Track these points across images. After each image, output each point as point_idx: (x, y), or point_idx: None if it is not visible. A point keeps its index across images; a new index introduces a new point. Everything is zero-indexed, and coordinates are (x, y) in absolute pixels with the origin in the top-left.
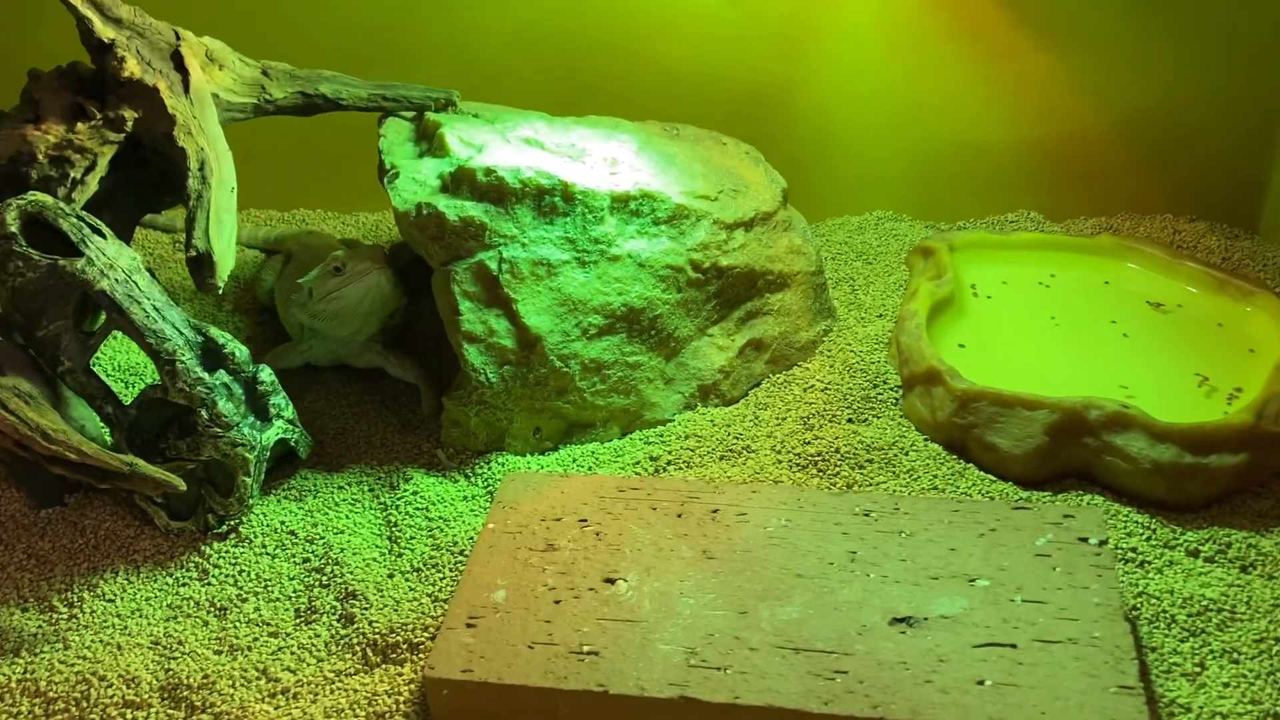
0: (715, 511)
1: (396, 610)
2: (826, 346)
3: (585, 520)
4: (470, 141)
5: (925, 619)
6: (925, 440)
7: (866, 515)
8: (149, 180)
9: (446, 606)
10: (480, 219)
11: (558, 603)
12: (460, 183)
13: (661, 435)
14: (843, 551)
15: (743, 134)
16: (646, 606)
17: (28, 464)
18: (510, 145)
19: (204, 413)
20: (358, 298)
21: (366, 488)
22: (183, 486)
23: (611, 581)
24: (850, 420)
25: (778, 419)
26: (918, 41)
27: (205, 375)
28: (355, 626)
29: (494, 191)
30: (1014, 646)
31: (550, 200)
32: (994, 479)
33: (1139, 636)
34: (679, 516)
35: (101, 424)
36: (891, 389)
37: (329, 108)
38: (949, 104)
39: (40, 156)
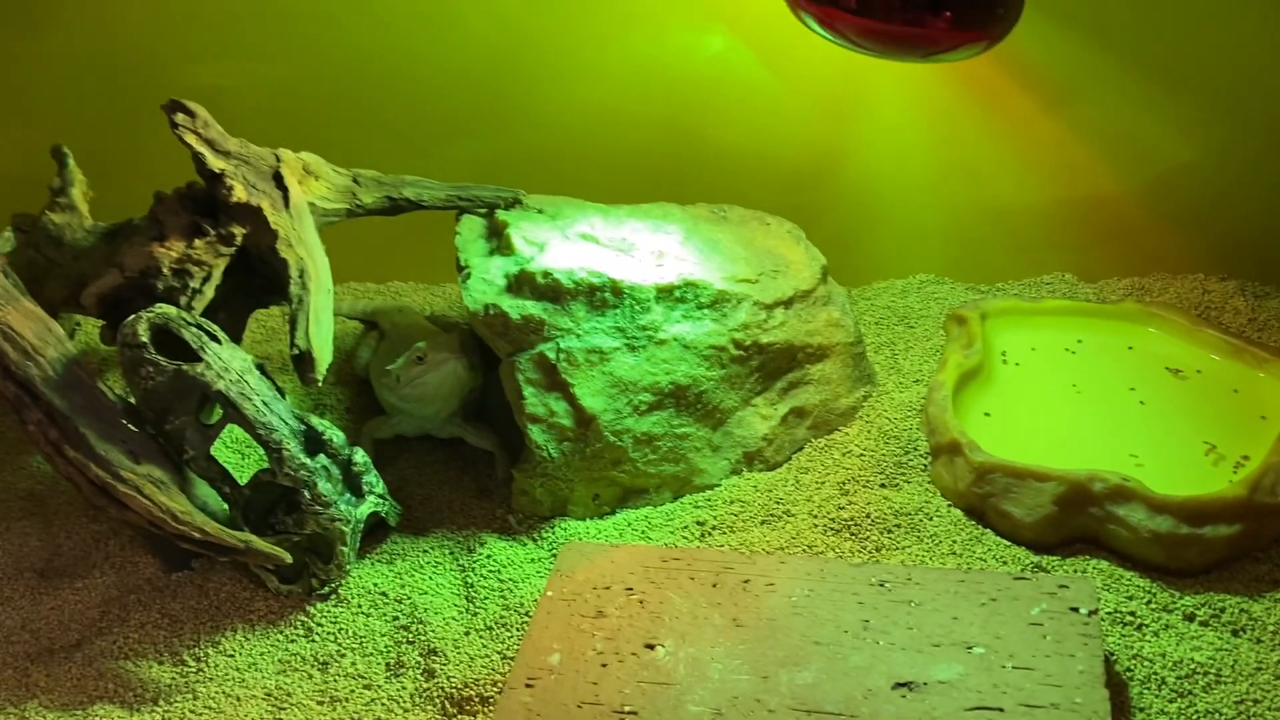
0: (746, 581)
1: (470, 666)
2: (866, 411)
3: (631, 589)
4: (533, 240)
5: (925, 684)
6: (949, 506)
7: (881, 585)
8: (256, 284)
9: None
10: (540, 316)
11: (604, 666)
12: (522, 284)
13: (709, 499)
14: (857, 620)
15: (790, 202)
16: (681, 671)
17: (159, 535)
18: (569, 242)
19: (306, 493)
20: (437, 384)
21: (447, 551)
22: (289, 559)
23: (651, 647)
24: (883, 485)
25: (816, 483)
26: (955, 108)
27: (307, 460)
28: (435, 681)
29: (551, 291)
30: (1001, 710)
31: (601, 295)
32: (1009, 544)
33: (1128, 699)
34: (714, 586)
35: (222, 501)
36: (921, 455)
37: (411, 208)
38: (987, 168)
39: (165, 270)
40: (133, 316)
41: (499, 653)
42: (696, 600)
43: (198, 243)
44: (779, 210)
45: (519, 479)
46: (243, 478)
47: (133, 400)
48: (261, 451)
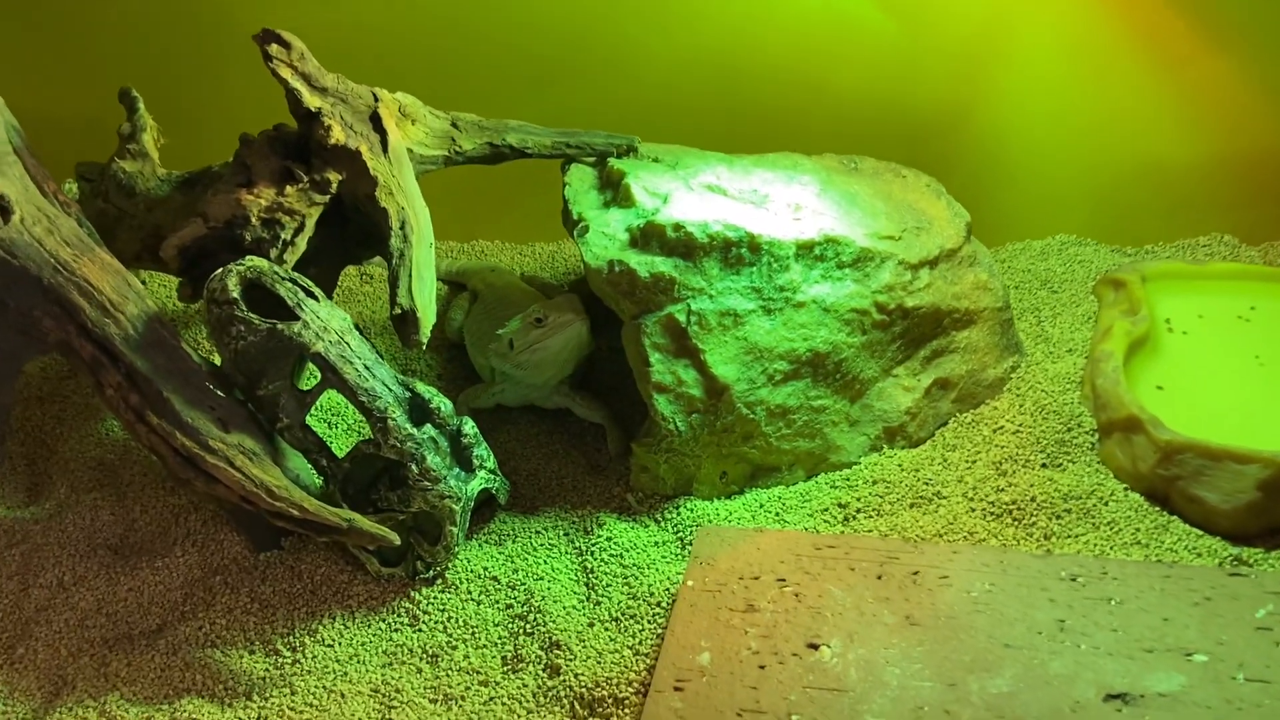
0: (916, 574)
1: (600, 663)
2: (1015, 384)
3: (783, 580)
4: (655, 191)
5: (1141, 696)
6: (1125, 490)
7: (1074, 580)
8: (350, 236)
9: (649, 662)
10: (670, 274)
11: (762, 668)
12: (650, 238)
13: (848, 479)
14: (1050, 620)
15: (919, 157)
16: (853, 675)
17: (248, 511)
18: (694, 193)
19: (414, 467)
20: (559, 348)
21: (561, 532)
22: (396, 541)
23: (815, 647)
24: (1044, 465)
25: (967, 462)
26: (1100, 54)
27: (415, 431)
28: (561, 679)
29: (682, 246)
30: None
31: (737, 252)
32: (1201, 533)
33: None
34: (879, 578)
35: (316, 474)
36: (1086, 433)
37: (514, 156)
38: (1135, 119)
39: (253, 219)
40: (221, 270)
41: (629, 647)
42: (860, 594)
43: (289, 189)
44: (904, 164)
45: (639, 454)
46: (340, 449)
47: (219, 363)
48: (352, 421)
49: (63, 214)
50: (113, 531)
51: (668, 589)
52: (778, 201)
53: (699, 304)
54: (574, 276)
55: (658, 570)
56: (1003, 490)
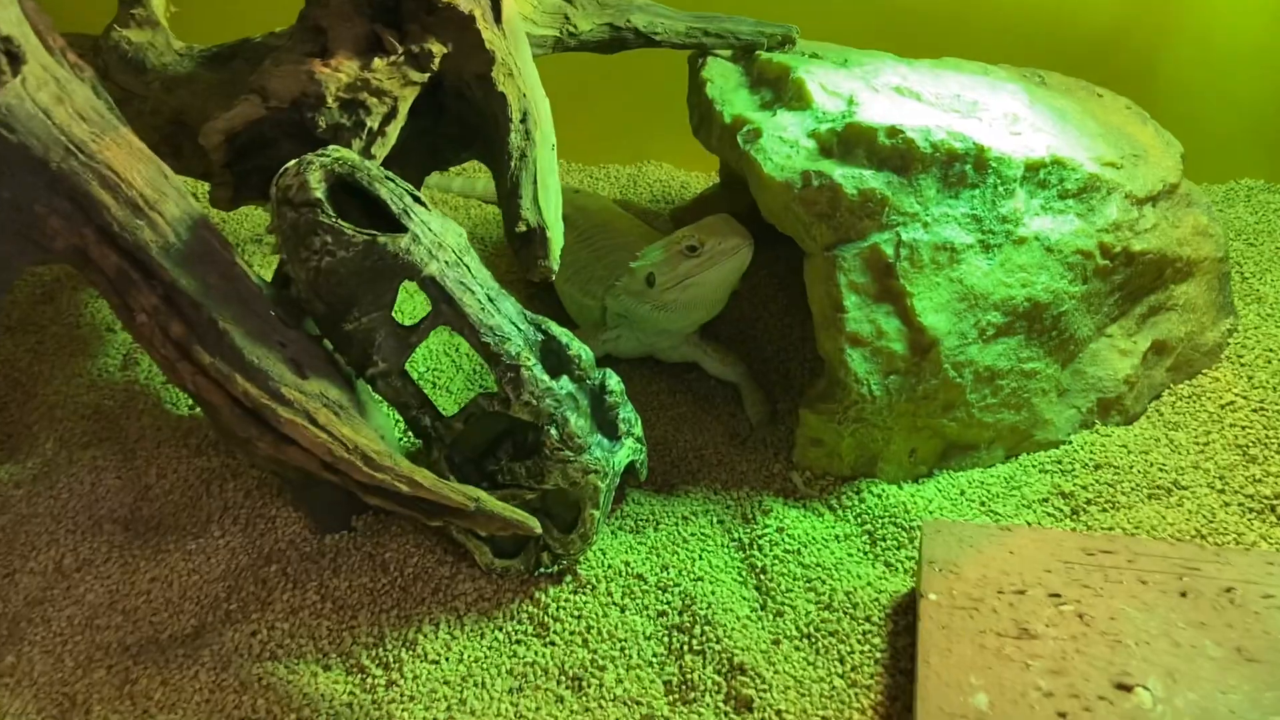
0: (1229, 590)
1: (805, 695)
2: (1234, 350)
3: (1058, 595)
4: (835, 90)
5: None
6: None
7: None
8: (444, 131)
9: (874, 698)
10: (882, 192)
11: (1062, 716)
12: (852, 145)
13: (1060, 463)
14: None
15: (1074, 74)
16: None
17: (313, 481)
18: (881, 95)
19: (554, 431)
20: (718, 283)
21: (714, 518)
22: (538, 529)
23: (1127, 689)
24: None
25: (1199, 445)
26: None
27: (553, 384)
28: (757, 715)
29: (898, 158)
30: None
31: (960, 169)
32: None
33: None
34: (1182, 595)
35: (400, 435)
36: None
37: (639, 43)
38: None
39: (330, 100)
40: (297, 161)
41: (840, 676)
42: (1166, 617)
43: (378, 63)
44: None
45: (813, 423)
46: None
47: (288, 287)
48: (453, 372)
49: (75, 78)
50: (120, 501)
51: (873, 599)
52: (992, 110)
53: (910, 233)
54: (665, 204)
55: (849, 573)
56: (1260, 481)
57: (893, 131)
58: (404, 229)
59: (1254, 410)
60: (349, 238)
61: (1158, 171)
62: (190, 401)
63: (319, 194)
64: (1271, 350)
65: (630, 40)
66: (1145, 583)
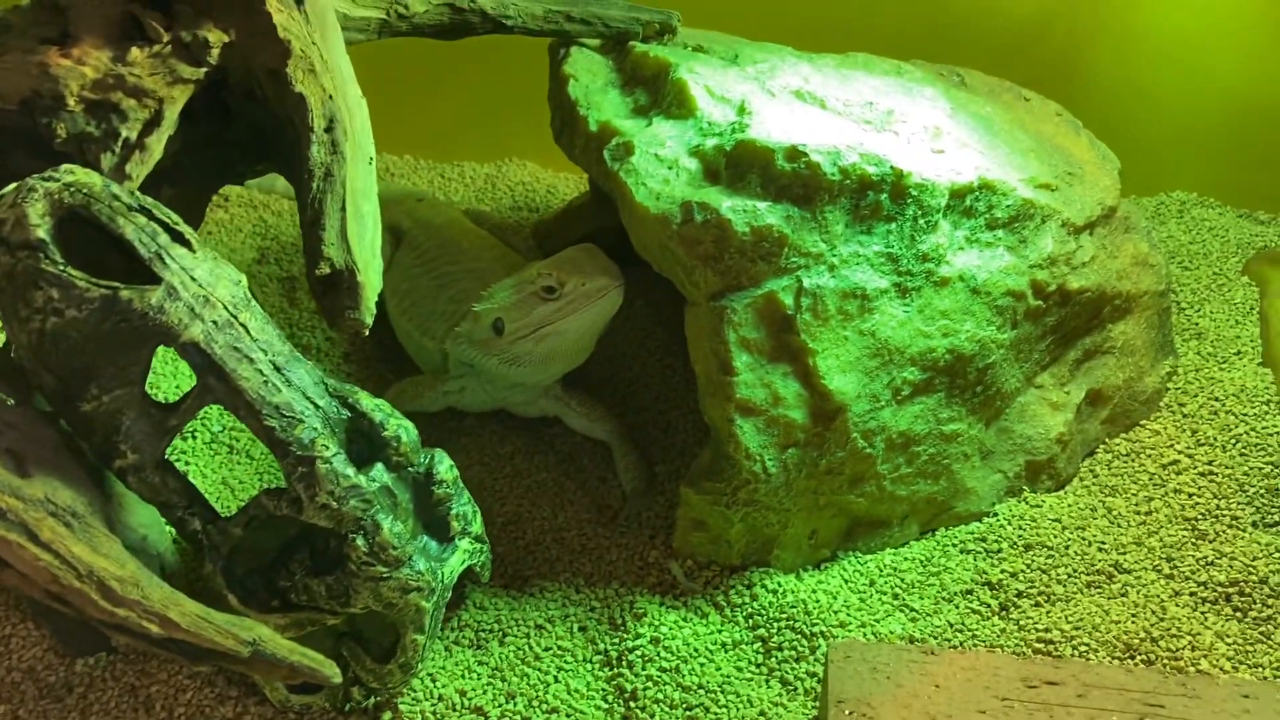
0: None
1: None
2: (1174, 397)
3: None
4: (723, 95)
5: None
6: None
7: None
8: (232, 139)
9: None
10: (780, 229)
11: None
12: (744, 169)
13: (985, 541)
14: None
15: (995, 73)
16: None
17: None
18: (778, 101)
19: (361, 541)
20: (581, 330)
21: (575, 625)
22: (338, 678)
23: None
24: (1257, 524)
25: (1140, 516)
26: None
27: (361, 480)
28: None
29: (800, 186)
30: None
31: (873, 198)
32: None
33: None
34: None
35: (171, 532)
36: None
37: (487, 28)
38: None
39: (71, 101)
40: (14, 187)
41: None
42: None
43: (136, 53)
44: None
45: (695, 504)
46: (224, 494)
47: (9, 353)
48: (245, 442)
49: None
50: None
51: None
52: (910, 123)
53: (814, 278)
54: (529, 212)
55: (738, 696)
56: (1212, 564)
57: (794, 154)
58: (157, 278)
59: (1200, 474)
60: (81, 292)
61: (1095, 193)
62: None
63: (42, 233)
64: (1216, 399)
65: (476, 24)
66: None
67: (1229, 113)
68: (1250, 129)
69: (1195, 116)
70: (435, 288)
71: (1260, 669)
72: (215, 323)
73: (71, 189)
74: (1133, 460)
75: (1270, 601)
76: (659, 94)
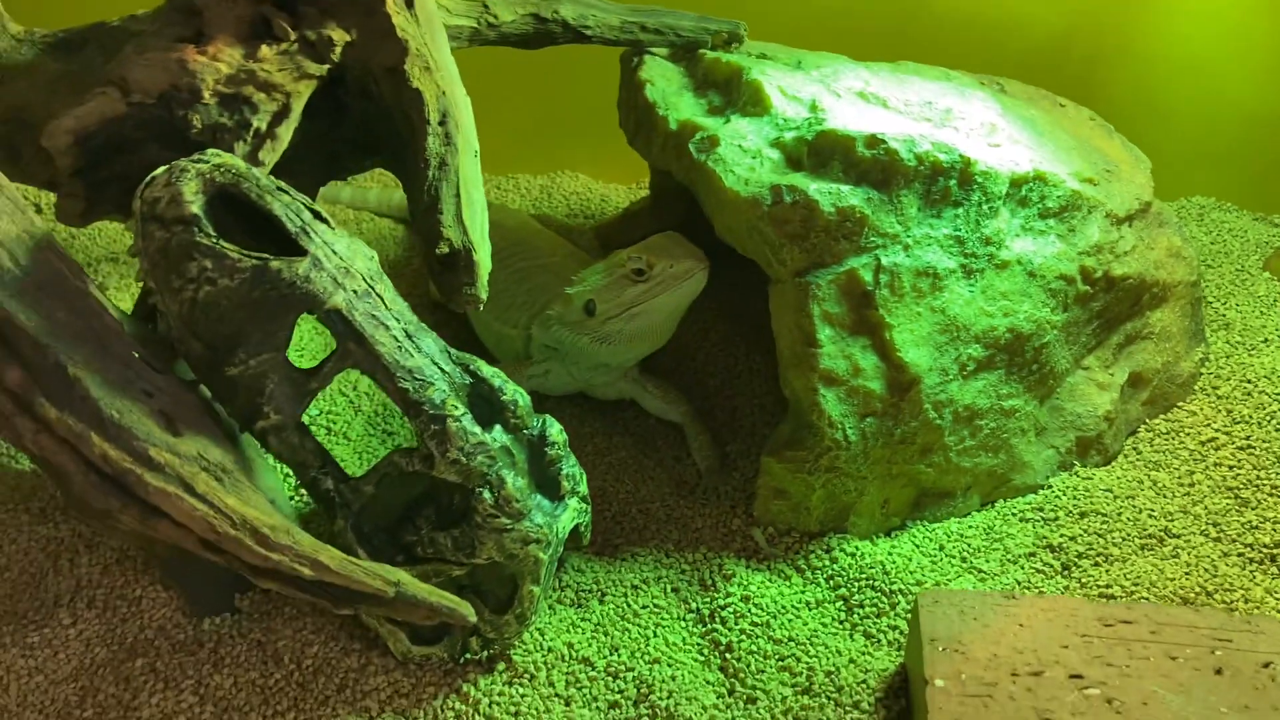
0: (1268, 665)
1: None
2: (1208, 381)
3: (1081, 677)
4: (795, 95)
5: None
6: None
7: None
8: (344, 135)
9: None
10: (861, 210)
11: None
12: (826, 156)
13: (1042, 510)
14: None
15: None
16: None
17: (191, 558)
18: (844, 101)
19: (488, 495)
20: (670, 310)
21: (668, 586)
22: (474, 617)
23: None
24: None
25: (1185, 486)
26: None
27: (486, 437)
28: None
29: (879, 171)
30: None
31: (943, 184)
32: None
33: None
34: (1218, 673)
35: (292, 493)
36: None
37: (568, 37)
38: None
39: (207, 95)
40: (167, 168)
41: None
42: (1206, 700)
43: (265, 51)
44: None
45: (777, 473)
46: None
47: (155, 323)
48: (350, 415)
49: None
50: None
51: (859, 680)
52: (968, 120)
53: (890, 257)
54: (584, 219)
55: (826, 648)
56: (1257, 528)
57: (873, 141)
58: (303, 252)
59: (1239, 448)
60: (234, 262)
61: (1132, 188)
62: None
63: (195, 209)
64: (1248, 381)
65: (558, 34)
66: (1175, 659)
67: (1243, 123)
68: (1263, 138)
69: (1212, 127)
70: (513, 281)
71: None
72: (355, 292)
73: (221, 169)
74: (1173, 438)
75: None
76: (733, 95)
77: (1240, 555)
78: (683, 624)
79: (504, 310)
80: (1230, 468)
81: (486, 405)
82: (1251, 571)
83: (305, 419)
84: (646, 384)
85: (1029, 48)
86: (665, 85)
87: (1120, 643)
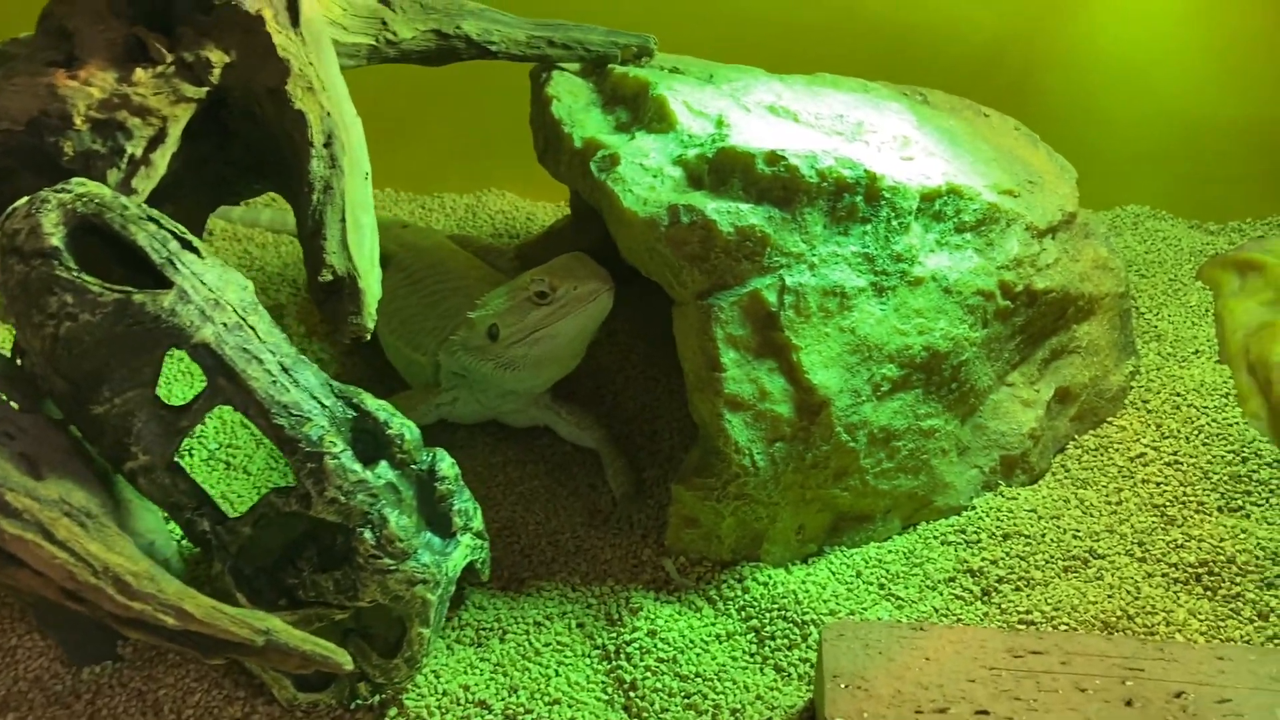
0: (1180, 695)
1: None
2: (1138, 395)
3: (987, 713)
4: (701, 110)
5: None
6: None
7: None
8: (230, 158)
9: None
10: (763, 229)
11: None
12: (726, 174)
13: (964, 533)
14: None
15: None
16: None
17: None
18: (753, 116)
19: (369, 534)
20: (574, 334)
21: (573, 621)
22: (350, 665)
23: None
24: (1222, 509)
25: (1112, 505)
26: None
27: (367, 475)
28: None
29: (780, 188)
30: None
31: (849, 201)
32: None
33: None
34: (1128, 704)
35: (178, 537)
36: (1269, 464)
37: (472, 54)
38: (1231, 70)
39: (78, 120)
40: (28, 200)
41: None
42: None
43: (140, 74)
44: None
45: (686, 501)
46: (227, 501)
47: (19, 358)
48: (240, 457)
49: None
50: None
51: (765, 717)
52: (880, 133)
53: (795, 276)
54: (509, 238)
55: (734, 683)
56: (1181, 546)
57: (773, 158)
58: (169, 284)
59: (1166, 464)
60: (95, 296)
61: (1055, 199)
62: None
63: (56, 241)
64: (1178, 394)
65: (461, 50)
66: (1085, 690)
67: (1177, 131)
68: (1197, 146)
69: (1146, 135)
70: (425, 305)
71: (1232, 643)
72: (225, 325)
73: (84, 199)
74: (1102, 454)
75: (1238, 580)
76: (640, 111)
77: (1164, 575)
78: (587, 661)
79: (415, 336)
80: (1158, 484)
81: (372, 440)
82: (1175, 592)
83: (204, 452)
84: (559, 410)
85: (961, 56)
86: (572, 101)
87: (1029, 675)
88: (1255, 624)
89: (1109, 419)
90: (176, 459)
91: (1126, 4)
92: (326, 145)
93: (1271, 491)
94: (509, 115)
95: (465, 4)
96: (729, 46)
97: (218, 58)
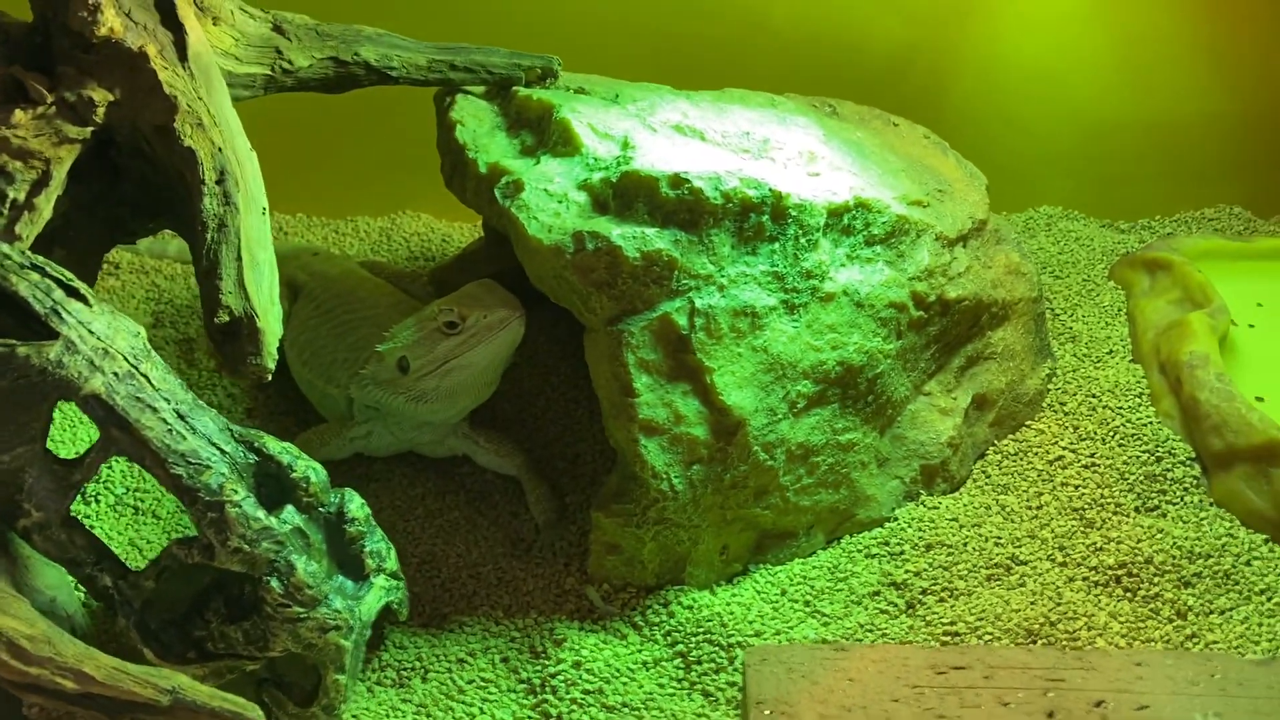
0: (1100, 704)
1: None
2: (1055, 397)
3: None
4: (606, 131)
5: None
6: (1268, 542)
7: None
8: (122, 197)
9: None
10: (669, 253)
11: None
12: (631, 198)
13: (888, 545)
14: None
15: (868, 104)
16: None
17: None
18: (659, 136)
19: (276, 583)
20: (486, 363)
21: (496, 656)
22: (260, 717)
23: None
24: (1139, 509)
25: (1032, 510)
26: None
27: (272, 521)
28: None
29: (685, 211)
30: None
31: (756, 220)
32: None
33: None
34: (1050, 716)
35: (79, 592)
36: (1183, 463)
37: (373, 79)
38: (1136, 72)
39: None
40: None
41: None
42: None
43: (20, 115)
44: None
45: (606, 527)
46: (132, 555)
47: None
48: (160, 492)
49: None
50: None
51: None
52: (786, 149)
53: (705, 299)
54: (425, 261)
55: (661, 711)
56: (1101, 549)
57: (677, 181)
58: (54, 333)
59: (1084, 467)
60: None
61: (965, 207)
62: None
63: None
64: (1094, 395)
65: (361, 77)
66: (1008, 704)
67: (1085, 133)
68: (1105, 146)
69: (1056, 137)
70: (335, 336)
71: (1152, 643)
72: (116, 374)
73: None
74: (1021, 459)
75: (1156, 580)
76: (544, 134)
77: (1085, 579)
78: (512, 696)
79: (327, 368)
80: (1076, 487)
81: (276, 484)
82: (1096, 596)
83: (111, 497)
84: (477, 438)
85: (871, 65)
86: (477, 126)
87: (952, 691)
88: (1174, 623)
89: (1027, 423)
90: (73, 513)
91: (1033, 9)
92: (219, 182)
93: (1186, 490)
94: (422, 136)
95: (363, 30)
96: (637, 64)
97: (101, 96)
